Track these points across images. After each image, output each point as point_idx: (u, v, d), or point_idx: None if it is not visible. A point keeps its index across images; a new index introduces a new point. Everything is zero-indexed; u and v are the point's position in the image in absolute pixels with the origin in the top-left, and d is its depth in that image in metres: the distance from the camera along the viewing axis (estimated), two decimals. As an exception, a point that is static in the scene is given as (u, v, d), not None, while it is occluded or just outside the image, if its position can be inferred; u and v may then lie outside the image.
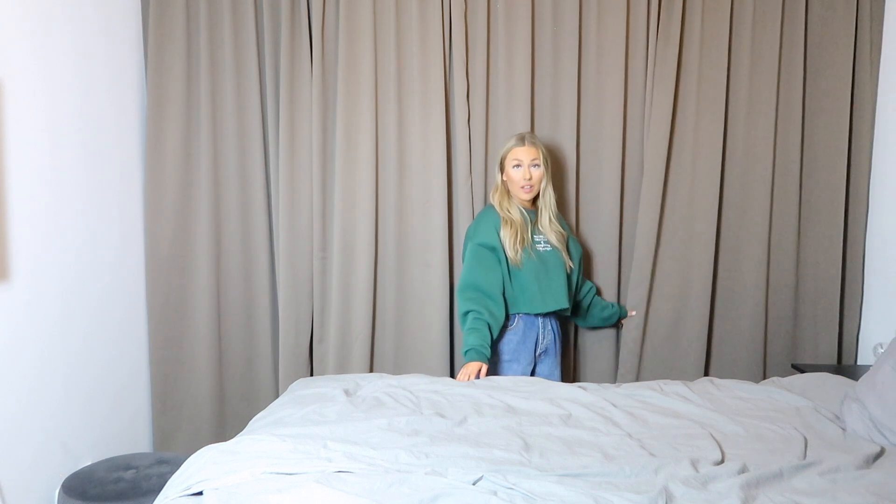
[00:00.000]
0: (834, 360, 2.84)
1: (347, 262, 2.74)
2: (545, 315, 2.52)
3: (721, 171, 2.79)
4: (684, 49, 2.73)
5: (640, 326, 2.78)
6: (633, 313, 2.78)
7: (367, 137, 2.71)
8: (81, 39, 2.38)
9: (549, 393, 2.09)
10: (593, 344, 2.89)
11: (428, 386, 2.14)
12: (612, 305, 2.77)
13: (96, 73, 2.46)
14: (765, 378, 2.81)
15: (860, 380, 1.95)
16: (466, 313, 2.38)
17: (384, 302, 2.80)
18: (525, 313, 2.47)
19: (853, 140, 2.81)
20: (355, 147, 2.72)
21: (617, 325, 2.84)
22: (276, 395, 2.80)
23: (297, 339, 2.78)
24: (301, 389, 2.14)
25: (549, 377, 2.53)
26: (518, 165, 2.47)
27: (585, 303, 2.71)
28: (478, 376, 2.26)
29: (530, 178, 2.47)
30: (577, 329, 2.89)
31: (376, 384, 2.15)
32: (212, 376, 2.80)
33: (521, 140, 2.49)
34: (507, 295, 2.44)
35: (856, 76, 2.79)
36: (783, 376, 2.46)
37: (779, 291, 2.84)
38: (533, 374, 2.53)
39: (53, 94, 2.25)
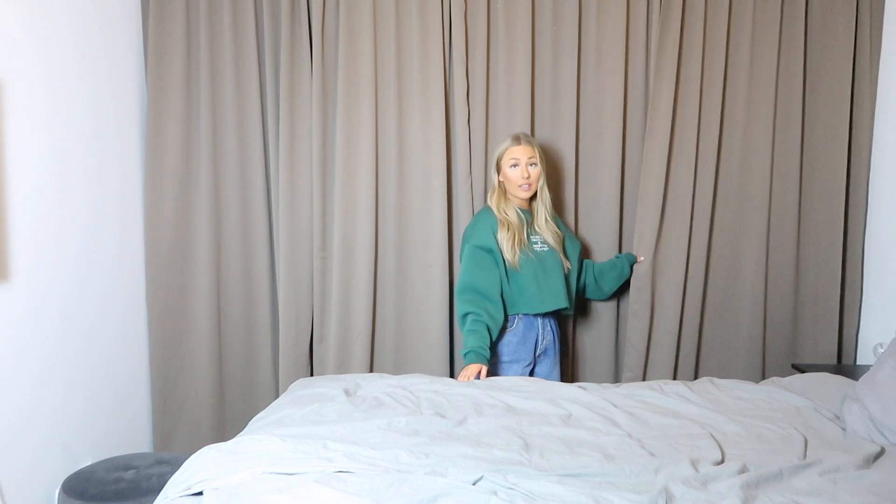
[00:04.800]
0: (834, 360, 2.84)
1: (347, 262, 2.74)
2: (544, 315, 2.52)
3: (721, 171, 2.79)
4: (684, 50, 2.73)
5: (646, 329, 2.77)
6: (642, 258, 2.72)
7: (367, 137, 2.71)
8: (81, 39, 2.38)
9: (549, 393, 2.09)
10: (593, 345, 2.89)
11: (428, 386, 2.14)
12: (617, 259, 2.73)
13: (96, 72, 2.46)
14: (765, 378, 2.81)
15: (860, 380, 1.95)
16: (465, 315, 2.39)
17: (384, 302, 2.80)
18: (524, 314, 2.47)
19: (853, 140, 2.81)
20: (355, 147, 2.72)
21: (632, 268, 2.76)
22: (276, 395, 2.80)
23: (297, 339, 2.78)
24: (301, 389, 2.14)
25: (548, 377, 2.53)
26: (515, 165, 2.47)
27: (591, 279, 2.69)
28: (478, 378, 2.26)
29: (528, 177, 2.47)
30: (575, 329, 2.89)
31: (376, 384, 2.15)
32: (212, 376, 2.80)
33: (517, 140, 2.49)
34: (505, 296, 2.43)
35: (856, 76, 2.79)
36: (783, 376, 2.46)
37: (778, 291, 2.84)
38: (532, 374, 2.53)
39: (54, 94, 2.25)
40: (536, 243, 2.49)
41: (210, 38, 2.70)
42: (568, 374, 2.85)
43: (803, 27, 2.75)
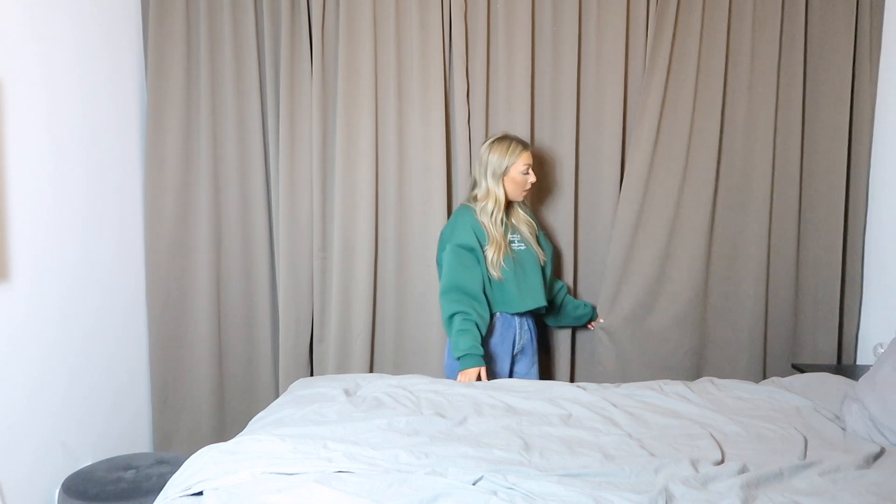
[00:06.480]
0: (834, 360, 2.84)
1: (347, 262, 2.74)
2: (522, 314, 2.51)
3: (721, 171, 2.79)
4: (682, 50, 2.72)
5: (638, 327, 2.77)
6: (602, 321, 2.76)
7: (367, 137, 2.71)
8: (82, 39, 2.38)
9: (549, 393, 2.09)
10: (591, 345, 2.89)
11: (428, 386, 2.14)
12: (585, 305, 2.76)
13: (96, 73, 2.46)
14: (765, 378, 2.80)
15: (860, 380, 1.95)
16: (453, 315, 2.36)
17: (384, 302, 2.80)
18: (503, 313, 2.47)
19: (853, 140, 2.81)
20: (355, 147, 2.72)
21: (586, 326, 2.82)
22: (276, 395, 2.80)
23: (297, 339, 2.78)
24: (301, 389, 2.14)
25: (526, 376, 2.54)
26: (527, 172, 2.48)
27: (557, 300, 2.70)
28: (478, 380, 2.26)
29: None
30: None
31: (376, 384, 2.15)
32: (212, 376, 2.80)
33: (525, 145, 2.49)
34: (486, 295, 2.43)
35: (856, 76, 2.78)
36: (783, 376, 2.46)
37: (779, 291, 2.84)
38: (511, 372, 2.53)
39: (54, 94, 2.25)
40: (514, 242, 2.49)
41: (210, 38, 2.70)
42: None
43: (803, 27, 2.74)
